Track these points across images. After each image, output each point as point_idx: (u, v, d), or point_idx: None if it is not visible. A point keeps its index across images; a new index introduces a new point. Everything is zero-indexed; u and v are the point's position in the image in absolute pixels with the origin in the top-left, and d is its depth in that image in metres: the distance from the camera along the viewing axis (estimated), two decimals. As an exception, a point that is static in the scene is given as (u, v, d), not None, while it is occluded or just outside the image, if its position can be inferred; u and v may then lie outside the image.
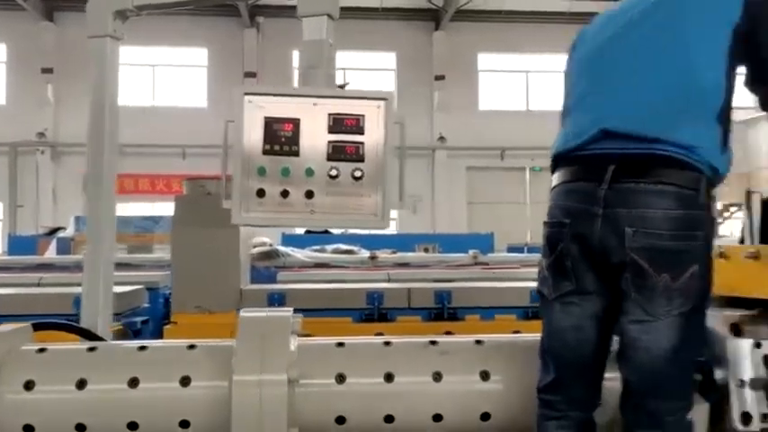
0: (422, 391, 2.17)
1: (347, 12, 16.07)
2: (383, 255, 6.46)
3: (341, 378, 2.14)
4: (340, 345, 2.23)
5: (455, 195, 18.62)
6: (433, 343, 2.27)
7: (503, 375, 2.19)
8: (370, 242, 7.21)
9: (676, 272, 1.77)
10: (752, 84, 1.95)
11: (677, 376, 1.84)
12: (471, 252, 6.49)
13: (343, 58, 16.77)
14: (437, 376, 2.17)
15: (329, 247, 6.36)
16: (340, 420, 2.13)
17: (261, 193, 2.09)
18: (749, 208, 2.20)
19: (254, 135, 2.09)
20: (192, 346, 2.17)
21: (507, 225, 16.28)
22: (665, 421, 1.82)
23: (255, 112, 2.10)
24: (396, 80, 18.24)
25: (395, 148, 2.16)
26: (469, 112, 18.44)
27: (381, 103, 2.13)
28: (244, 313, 2.21)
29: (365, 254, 6.36)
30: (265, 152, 2.09)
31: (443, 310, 4.20)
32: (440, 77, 18.15)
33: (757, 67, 1.91)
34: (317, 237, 8.57)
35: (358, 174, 2.10)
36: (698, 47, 1.83)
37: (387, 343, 2.26)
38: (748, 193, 2.20)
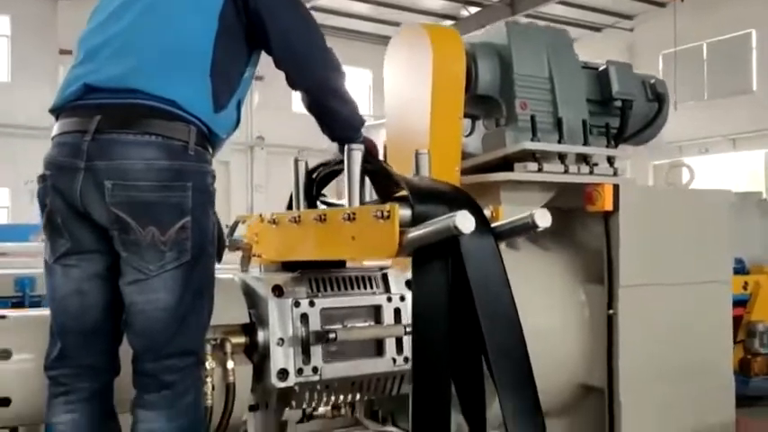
0: None
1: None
2: (-27, 247, 5.66)
3: None
4: None
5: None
6: (-61, 322, 1.91)
7: (29, 354, 1.93)
8: (-29, 233, 6.29)
9: (164, 224, 1.72)
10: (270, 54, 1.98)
11: (178, 337, 1.78)
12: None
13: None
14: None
15: None
16: None
17: None
18: (296, 174, 2.31)
19: None
20: None
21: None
22: (169, 381, 1.77)
23: None
24: (10, 48, 16.02)
25: None
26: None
27: None
28: None
29: (-55, 246, 5.45)
30: None
31: (24, 299, 3.76)
32: (66, 52, 16.39)
33: (257, 30, 1.92)
34: None
35: None
36: (188, 7, 1.84)
37: None
38: (295, 161, 2.31)
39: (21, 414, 1.91)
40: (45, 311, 1.97)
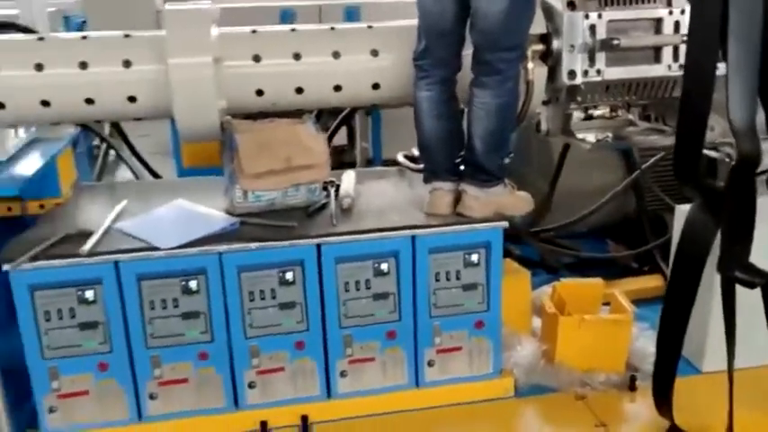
0: (324, 68, 2.68)
1: None
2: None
3: (257, 58, 2.61)
4: (254, 32, 2.67)
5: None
6: (332, 29, 2.74)
7: (390, 53, 2.71)
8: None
9: None
10: None
11: (509, 34, 2.39)
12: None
13: None
14: (336, 55, 2.67)
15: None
16: (260, 93, 2.64)
17: None
18: None
19: None
20: (127, 35, 2.55)
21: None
22: (501, 68, 2.42)
23: None
24: None
25: None
26: None
27: None
28: (169, 6, 2.58)
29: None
30: None
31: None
32: None
33: None
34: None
35: None
36: None
37: (293, 30, 2.72)
38: None
39: (388, 96, 2.76)
40: (405, 22, 2.69)
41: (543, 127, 2.92)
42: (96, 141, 4.75)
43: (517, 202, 2.67)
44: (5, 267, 2.26)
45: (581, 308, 2.88)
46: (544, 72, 2.75)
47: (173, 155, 4.16)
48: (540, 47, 2.74)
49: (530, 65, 2.69)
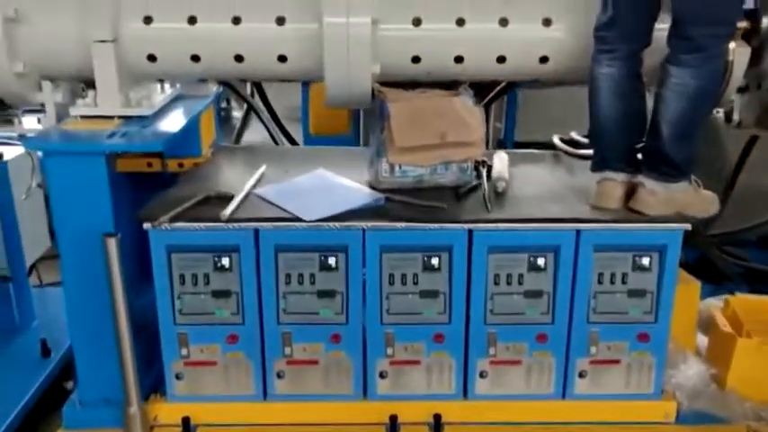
0: (489, 35, 2.40)
1: None
2: None
3: (417, 22, 2.38)
4: (416, -7, 2.44)
5: None
6: (501, -7, 2.46)
7: (564, 24, 2.40)
8: None
9: None
10: None
11: (721, 4, 2.05)
12: None
13: None
14: (503, 22, 2.39)
15: None
16: (416, 60, 2.41)
17: None
18: None
19: None
20: (283, -9, 2.39)
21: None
22: (704, 45, 2.07)
23: None
24: None
25: None
26: None
27: None
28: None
29: None
30: None
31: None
32: None
33: None
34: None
35: None
36: None
37: (458, -7, 2.46)
38: None
39: (555, 71, 2.46)
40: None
41: (735, 117, 2.52)
42: (224, 105, 4.73)
43: (701, 202, 2.31)
44: (146, 226, 2.18)
45: (760, 329, 2.49)
46: (747, 53, 2.36)
47: (301, 121, 4.10)
48: (744, 24, 2.34)
49: (731, 44, 2.31)
